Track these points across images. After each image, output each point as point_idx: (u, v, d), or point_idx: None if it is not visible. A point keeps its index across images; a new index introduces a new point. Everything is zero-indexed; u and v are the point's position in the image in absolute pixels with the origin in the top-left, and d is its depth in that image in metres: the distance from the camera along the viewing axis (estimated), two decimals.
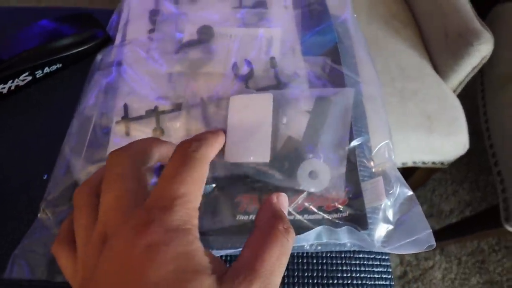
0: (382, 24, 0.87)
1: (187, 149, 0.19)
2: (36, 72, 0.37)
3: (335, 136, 0.28)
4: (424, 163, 0.81)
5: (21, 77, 0.36)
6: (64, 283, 0.27)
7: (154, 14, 0.41)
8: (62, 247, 0.20)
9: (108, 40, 0.40)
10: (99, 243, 0.17)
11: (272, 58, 0.34)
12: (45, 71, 0.37)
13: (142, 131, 0.32)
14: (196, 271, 0.16)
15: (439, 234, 1.18)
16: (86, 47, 0.39)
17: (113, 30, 0.41)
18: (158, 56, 0.37)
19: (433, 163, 0.82)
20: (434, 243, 0.22)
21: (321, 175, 0.27)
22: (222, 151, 0.28)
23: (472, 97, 0.97)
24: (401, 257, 1.21)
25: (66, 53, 0.38)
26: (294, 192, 0.28)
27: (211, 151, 0.21)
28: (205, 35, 0.37)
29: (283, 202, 0.22)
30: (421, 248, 0.23)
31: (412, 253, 1.22)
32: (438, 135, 0.76)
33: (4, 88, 0.36)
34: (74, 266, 0.19)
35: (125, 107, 0.33)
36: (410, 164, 0.81)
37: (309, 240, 0.26)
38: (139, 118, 0.33)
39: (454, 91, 0.85)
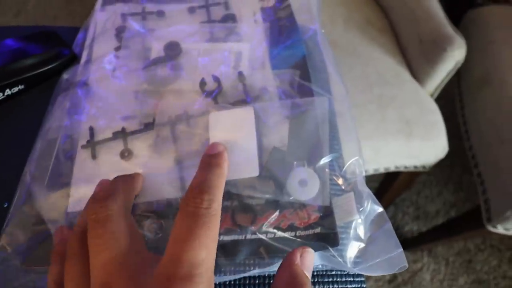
0: (359, 32, 0.88)
1: (200, 207, 0.18)
2: None
3: (316, 145, 0.28)
4: (406, 167, 0.82)
5: None
6: None
7: (120, 31, 0.40)
8: None
9: (74, 59, 0.39)
10: None
11: (240, 73, 0.34)
12: (6, 93, 0.36)
13: (109, 154, 0.31)
14: None
15: (426, 236, 1.19)
16: (50, 66, 0.38)
17: (80, 48, 0.40)
18: (125, 74, 0.36)
19: (415, 167, 0.83)
20: (406, 264, 0.22)
21: (310, 182, 0.27)
22: None
23: (451, 99, 0.99)
24: None
25: (29, 74, 0.37)
26: (270, 207, 0.27)
27: (220, 200, 0.19)
28: (172, 51, 0.36)
29: (308, 261, 0.20)
30: (393, 269, 0.22)
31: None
32: (417, 139, 0.76)
33: None
34: None
35: (91, 129, 0.32)
36: (392, 169, 0.81)
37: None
38: (106, 140, 0.31)
39: (432, 96, 0.86)
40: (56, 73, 0.38)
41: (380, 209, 0.26)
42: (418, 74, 0.82)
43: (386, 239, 0.24)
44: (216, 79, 0.34)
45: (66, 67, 0.39)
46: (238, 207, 0.28)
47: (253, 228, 0.27)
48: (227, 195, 0.29)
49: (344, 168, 0.28)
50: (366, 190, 0.26)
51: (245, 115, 0.29)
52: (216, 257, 0.27)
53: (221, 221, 0.28)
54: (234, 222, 0.28)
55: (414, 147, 0.77)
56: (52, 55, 0.38)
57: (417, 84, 0.82)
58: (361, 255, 0.24)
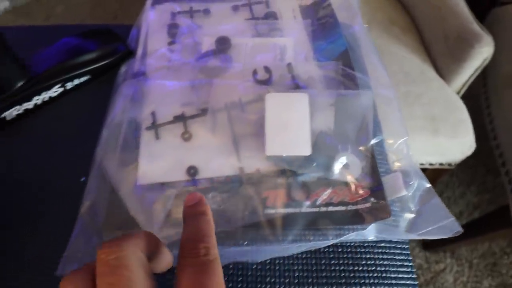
0: (383, 31, 0.90)
1: (199, 256, 0.17)
2: (66, 84, 0.39)
3: (360, 132, 0.30)
4: (431, 164, 0.83)
5: (53, 89, 0.38)
6: None
7: (172, 28, 0.43)
8: None
9: (130, 53, 0.43)
10: None
11: (289, 64, 0.36)
12: (75, 83, 0.40)
13: (171, 135, 0.34)
14: None
15: (448, 237, 1.18)
16: (110, 60, 0.42)
17: (134, 44, 0.44)
18: (180, 66, 0.39)
19: (441, 164, 0.83)
20: (460, 229, 0.24)
21: (352, 166, 0.29)
22: (263, 142, 0.30)
23: (475, 98, 0.99)
24: (412, 260, 1.21)
25: (93, 66, 0.41)
26: (322, 185, 0.30)
27: (215, 245, 0.19)
28: (222, 45, 0.39)
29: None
30: (448, 233, 0.24)
31: (423, 257, 1.22)
32: (443, 136, 0.77)
33: (38, 99, 0.38)
34: None
35: (153, 114, 0.35)
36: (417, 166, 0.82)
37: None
38: (167, 123, 0.35)
39: (458, 93, 0.87)
40: (115, 66, 0.42)
41: (427, 184, 0.28)
42: (443, 71, 0.83)
43: (435, 211, 0.26)
44: (268, 70, 0.36)
45: (124, 61, 0.42)
46: (293, 184, 0.31)
47: (307, 202, 0.30)
48: (282, 173, 0.31)
49: (393, 148, 0.30)
50: (414, 168, 0.28)
51: (300, 98, 0.31)
52: (274, 228, 0.29)
53: (277, 196, 0.30)
54: (290, 197, 0.30)
55: (440, 144, 0.78)
56: (111, 50, 0.42)
57: (443, 81, 0.83)
58: (413, 225, 0.26)
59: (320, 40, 0.40)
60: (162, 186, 0.32)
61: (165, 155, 0.33)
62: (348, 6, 0.42)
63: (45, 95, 0.38)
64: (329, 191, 0.30)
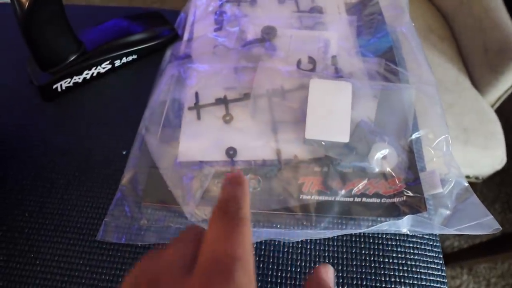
0: (420, 38, 0.89)
1: (229, 211, 0.18)
2: (115, 62, 0.41)
3: (400, 126, 0.31)
4: None
5: (103, 65, 0.40)
6: (144, 246, 0.30)
7: (219, 15, 0.45)
8: None
9: (176, 37, 0.44)
10: None
11: (334, 57, 0.37)
12: (122, 61, 0.42)
13: (212, 116, 0.35)
14: None
15: (467, 253, 1.15)
16: (157, 42, 0.43)
17: (181, 28, 0.45)
18: (225, 52, 0.40)
19: (467, 176, 0.82)
20: (499, 226, 0.24)
21: (389, 157, 0.30)
22: (302, 129, 0.31)
23: (508, 113, 0.96)
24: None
25: (140, 47, 0.42)
26: (358, 175, 0.30)
27: (248, 208, 0.19)
28: (268, 34, 0.40)
29: (331, 276, 0.20)
30: (487, 230, 0.24)
31: None
32: (474, 148, 0.76)
33: (88, 74, 0.40)
34: None
35: (196, 95, 0.37)
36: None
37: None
38: (209, 105, 0.36)
39: (492, 106, 0.85)
40: (161, 48, 0.43)
41: (465, 183, 0.28)
42: (479, 83, 0.82)
43: (473, 209, 0.26)
44: (312, 60, 0.37)
45: (169, 44, 0.44)
46: (329, 173, 0.31)
47: (342, 191, 0.30)
48: (319, 161, 0.32)
49: (433, 145, 0.30)
50: (453, 165, 0.29)
51: (343, 87, 0.32)
52: (308, 214, 0.30)
53: (313, 183, 0.31)
54: (325, 185, 0.31)
55: (470, 155, 0.76)
56: (158, 32, 0.44)
57: (477, 93, 0.82)
58: (448, 221, 0.27)
59: (365, 36, 0.40)
60: (201, 164, 0.33)
61: (206, 135, 0.34)
62: (396, 5, 0.42)
63: (94, 71, 0.40)
64: (365, 182, 0.30)
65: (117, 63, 0.41)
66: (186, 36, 0.44)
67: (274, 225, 0.30)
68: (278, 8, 0.46)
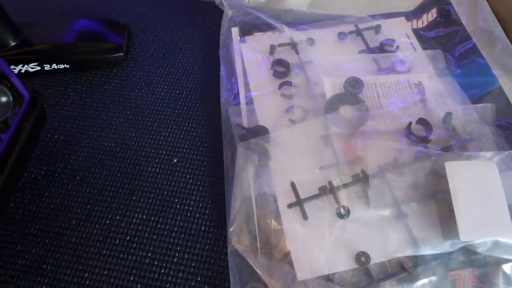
0: None
1: None
2: (44, 65, 0.38)
3: None
4: None
5: (31, 65, 0.37)
6: None
7: (276, 66, 0.37)
8: None
9: (122, 58, 0.40)
10: None
11: (448, 114, 0.31)
12: (47, 68, 0.38)
13: (321, 212, 0.28)
14: None
15: None
16: (94, 57, 0.39)
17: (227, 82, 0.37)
18: (306, 119, 0.33)
19: None
20: None
21: None
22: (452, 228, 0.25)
23: None
24: None
25: (72, 56, 0.39)
26: None
27: None
28: (354, 88, 0.33)
29: None
30: None
31: None
32: None
33: (15, 69, 0.37)
34: None
35: (293, 185, 0.29)
36: None
37: None
38: (313, 197, 0.29)
39: None
40: (103, 64, 0.40)
41: None
42: None
43: None
44: (426, 124, 0.30)
45: (112, 61, 0.40)
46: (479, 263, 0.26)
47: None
48: (467, 251, 0.26)
49: None
50: None
51: (487, 168, 0.26)
52: None
53: (466, 278, 0.25)
54: (480, 279, 0.25)
55: None
56: (103, 47, 0.39)
57: None
58: None
59: (461, 74, 0.34)
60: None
61: (321, 239, 0.27)
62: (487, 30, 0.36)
63: (22, 68, 0.37)
64: None
65: (47, 67, 0.38)
66: (242, 99, 0.35)
67: None
68: (341, 46, 0.39)
